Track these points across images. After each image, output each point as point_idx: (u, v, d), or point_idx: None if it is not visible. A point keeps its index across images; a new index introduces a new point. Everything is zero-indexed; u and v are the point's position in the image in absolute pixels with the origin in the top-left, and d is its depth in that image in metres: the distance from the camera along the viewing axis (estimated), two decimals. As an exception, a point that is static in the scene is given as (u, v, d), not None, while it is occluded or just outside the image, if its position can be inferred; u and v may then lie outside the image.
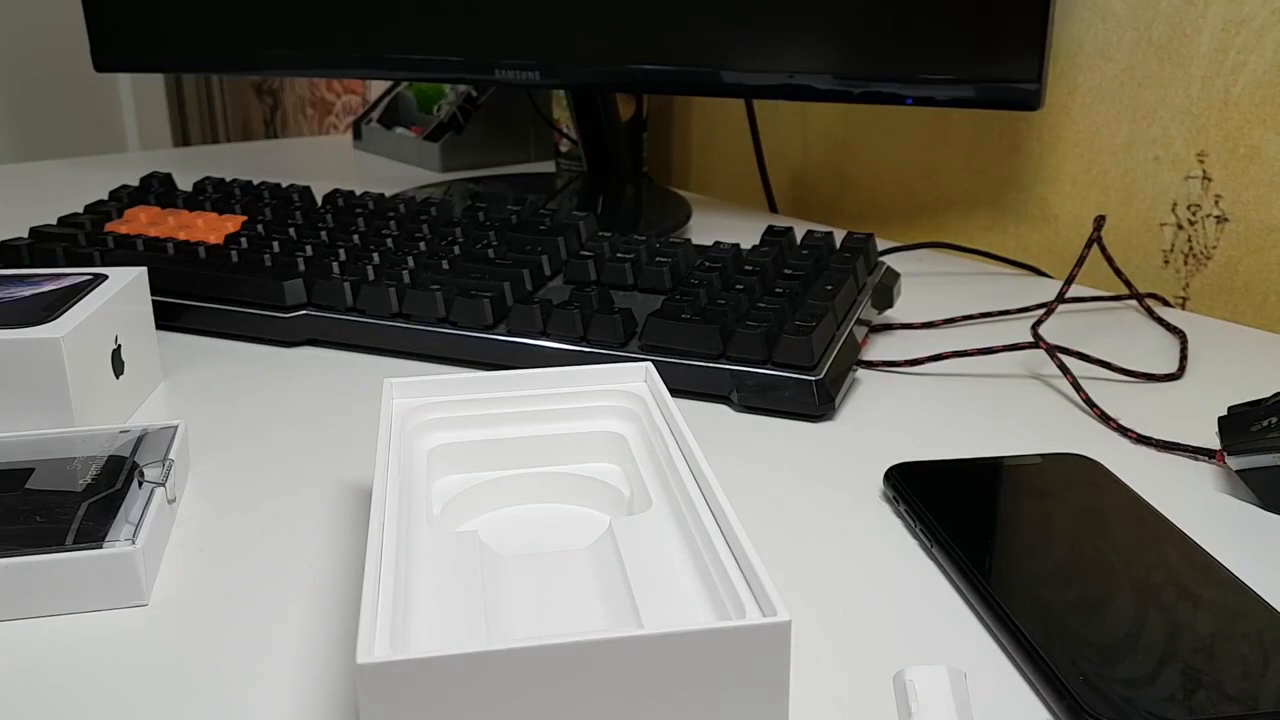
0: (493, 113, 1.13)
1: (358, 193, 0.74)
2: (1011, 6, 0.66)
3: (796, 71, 0.73)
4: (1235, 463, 0.44)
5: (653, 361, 0.53)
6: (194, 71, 0.94)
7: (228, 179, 0.77)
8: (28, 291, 0.51)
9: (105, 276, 0.53)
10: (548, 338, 0.56)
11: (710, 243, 0.74)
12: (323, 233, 0.67)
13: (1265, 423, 0.44)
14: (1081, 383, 0.55)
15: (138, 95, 2.18)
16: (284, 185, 0.75)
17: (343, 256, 0.63)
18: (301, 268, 0.61)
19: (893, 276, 0.64)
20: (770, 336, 0.53)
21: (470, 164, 1.12)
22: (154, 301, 0.62)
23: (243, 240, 0.66)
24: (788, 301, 0.56)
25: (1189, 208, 0.72)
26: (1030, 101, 0.67)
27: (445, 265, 0.61)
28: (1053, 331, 0.64)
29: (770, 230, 0.66)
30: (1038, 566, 0.37)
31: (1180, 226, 0.72)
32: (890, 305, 0.62)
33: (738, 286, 0.58)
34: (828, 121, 0.96)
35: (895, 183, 0.91)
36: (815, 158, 0.98)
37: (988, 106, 0.69)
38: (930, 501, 0.42)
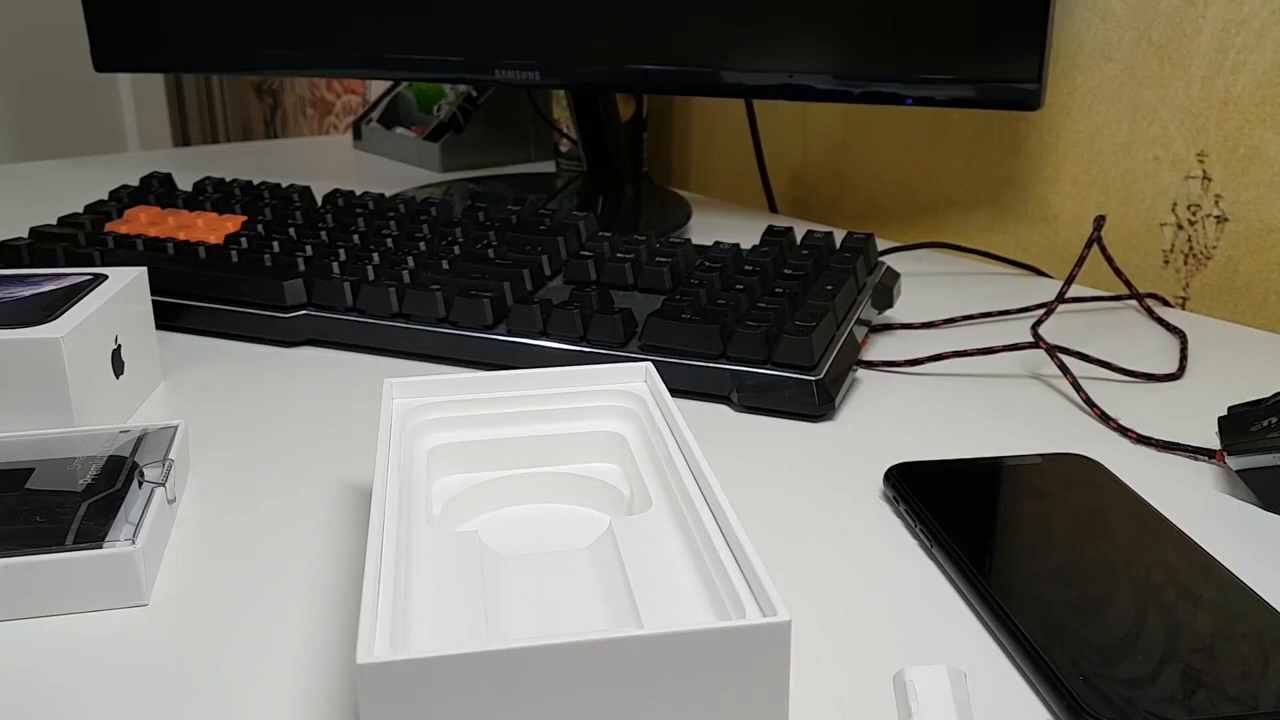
0: (493, 113, 1.13)
1: (358, 193, 0.74)
2: (1011, 6, 0.66)
3: (796, 71, 0.73)
4: (1235, 463, 0.44)
5: (653, 361, 0.53)
6: (194, 71, 0.94)
7: (228, 179, 0.77)
8: (28, 291, 0.51)
9: (105, 276, 0.53)
10: (548, 338, 0.56)
11: (710, 243, 0.74)
12: (323, 233, 0.67)
13: (1265, 423, 0.44)
14: (1081, 383, 0.55)
15: (138, 95, 2.18)
16: (284, 185, 0.75)
17: (343, 256, 0.63)
18: (301, 268, 0.61)
19: (893, 276, 0.64)
20: (770, 336, 0.53)
21: (470, 164, 1.12)
22: (154, 301, 0.62)
23: (243, 240, 0.66)
24: (788, 301, 0.56)
25: (1189, 208, 0.72)
26: (1030, 101, 0.67)
27: (445, 265, 0.61)
28: (1053, 331, 0.64)
29: (770, 230, 0.66)
30: (1038, 566, 0.37)
31: (1180, 226, 0.72)
32: (890, 305, 0.62)
33: (738, 286, 0.58)
34: (828, 121, 0.96)
35: (895, 183, 0.91)
36: (815, 158, 0.98)
37: (988, 106, 0.69)
38: (930, 501, 0.42)
